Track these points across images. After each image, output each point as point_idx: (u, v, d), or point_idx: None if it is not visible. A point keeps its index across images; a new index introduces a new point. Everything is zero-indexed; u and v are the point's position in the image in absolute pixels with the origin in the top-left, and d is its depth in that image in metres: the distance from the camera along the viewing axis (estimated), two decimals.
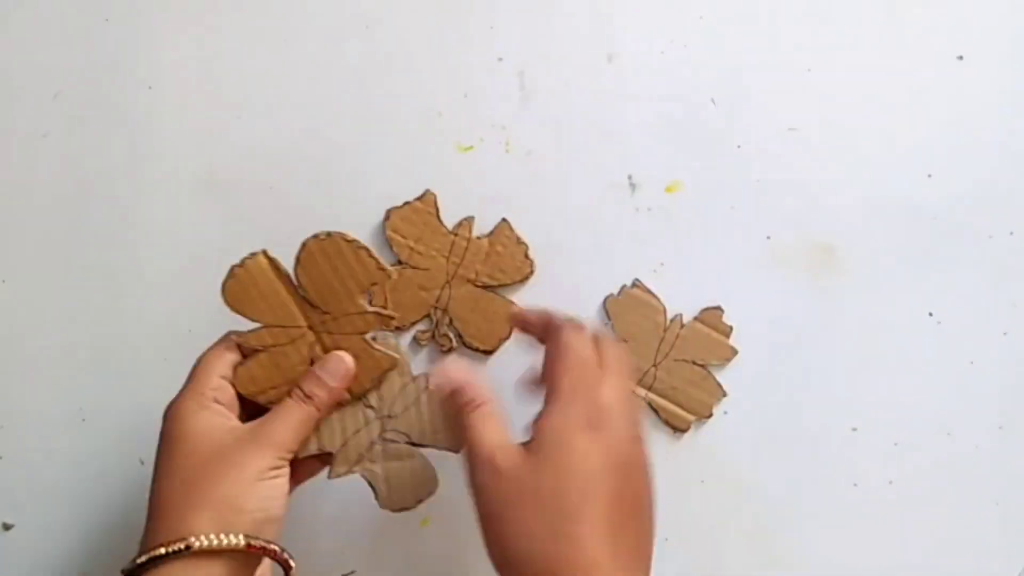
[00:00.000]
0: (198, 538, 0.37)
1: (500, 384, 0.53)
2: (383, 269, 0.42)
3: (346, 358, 0.42)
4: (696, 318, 0.53)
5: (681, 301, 0.53)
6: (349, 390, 0.43)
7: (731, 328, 0.52)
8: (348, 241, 0.42)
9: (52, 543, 0.54)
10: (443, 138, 0.54)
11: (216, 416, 0.41)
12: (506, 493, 0.38)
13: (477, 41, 0.54)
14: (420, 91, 0.54)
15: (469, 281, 0.53)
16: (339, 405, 0.43)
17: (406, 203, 0.53)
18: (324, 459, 0.44)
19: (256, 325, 0.42)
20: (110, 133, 0.55)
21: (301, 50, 0.55)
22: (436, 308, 0.53)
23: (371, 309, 0.43)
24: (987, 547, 0.52)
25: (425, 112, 0.54)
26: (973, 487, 0.52)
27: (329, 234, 0.42)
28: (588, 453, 0.38)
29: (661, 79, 0.54)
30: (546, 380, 0.40)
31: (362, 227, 0.54)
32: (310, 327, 0.43)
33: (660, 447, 0.53)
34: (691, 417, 0.53)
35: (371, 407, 0.43)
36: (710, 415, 0.53)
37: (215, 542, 0.38)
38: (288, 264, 0.42)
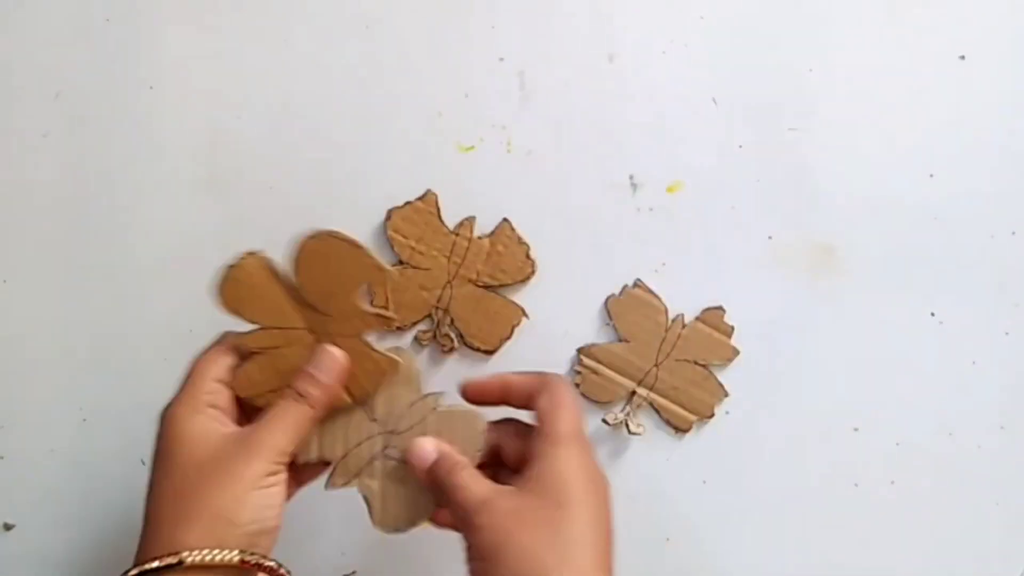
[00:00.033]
0: (191, 553, 0.37)
1: None
2: (381, 269, 0.41)
3: (337, 353, 0.41)
4: (698, 318, 0.53)
5: (682, 301, 0.53)
6: (351, 393, 0.42)
7: (732, 328, 0.52)
8: (346, 240, 0.41)
9: (52, 543, 0.54)
10: (444, 138, 0.54)
11: (210, 421, 0.40)
12: (511, 526, 0.37)
13: (477, 41, 0.54)
14: (420, 91, 0.54)
15: (470, 281, 0.53)
16: (342, 410, 0.42)
17: (407, 203, 0.53)
18: (326, 463, 0.43)
19: (252, 327, 0.42)
20: (110, 133, 0.55)
21: (301, 50, 0.55)
22: (437, 308, 0.53)
23: (371, 310, 0.42)
24: (988, 547, 0.52)
25: (425, 112, 0.54)
26: (974, 487, 0.52)
27: (326, 232, 0.41)
28: (588, 490, 0.38)
29: (661, 79, 0.54)
30: (544, 425, 0.40)
31: (363, 227, 0.53)
32: (309, 329, 0.42)
33: (662, 447, 0.53)
34: (693, 417, 0.53)
35: (375, 420, 0.43)
36: (712, 415, 0.53)
37: (208, 557, 0.37)
38: (282, 264, 0.42)
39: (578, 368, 0.53)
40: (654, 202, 0.53)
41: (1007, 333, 0.52)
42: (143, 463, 0.53)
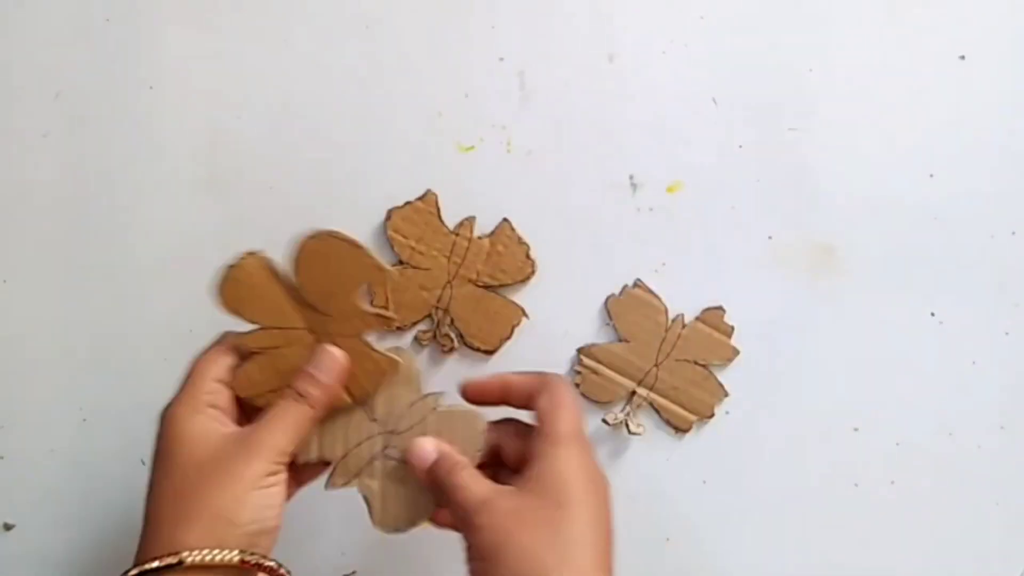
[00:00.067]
0: (191, 553, 0.37)
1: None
2: (381, 269, 0.41)
3: (337, 352, 0.41)
4: (698, 318, 0.53)
5: (682, 301, 0.53)
6: (351, 393, 0.42)
7: (732, 328, 0.52)
8: (345, 240, 0.41)
9: (52, 543, 0.54)
10: (444, 138, 0.54)
11: (210, 422, 0.40)
12: (511, 526, 0.37)
13: (477, 41, 0.54)
14: (420, 91, 0.54)
15: (470, 281, 0.53)
16: (342, 410, 0.42)
17: (407, 203, 0.53)
18: (326, 463, 0.43)
19: (252, 327, 0.42)
20: (110, 133, 0.55)
21: (301, 50, 0.55)
22: (437, 308, 0.53)
23: (371, 310, 0.42)
24: (988, 547, 0.52)
25: (425, 112, 0.54)
26: (974, 487, 0.52)
27: (326, 232, 0.41)
28: (588, 491, 0.38)
29: (661, 79, 0.54)
30: (544, 425, 0.40)
31: (363, 227, 0.53)
32: (309, 329, 0.42)
33: (662, 447, 0.53)
34: (693, 417, 0.53)
35: (375, 420, 0.43)
36: (712, 415, 0.53)
37: (208, 557, 0.37)
38: (282, 264, 0.41)
39: (578, 368, 0.53)
40: (654, 202, 0.53)
41: (1007, 333, 0.52)
42: (143, 463, 0.53)
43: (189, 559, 0.37)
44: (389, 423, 0.43)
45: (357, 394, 0.42)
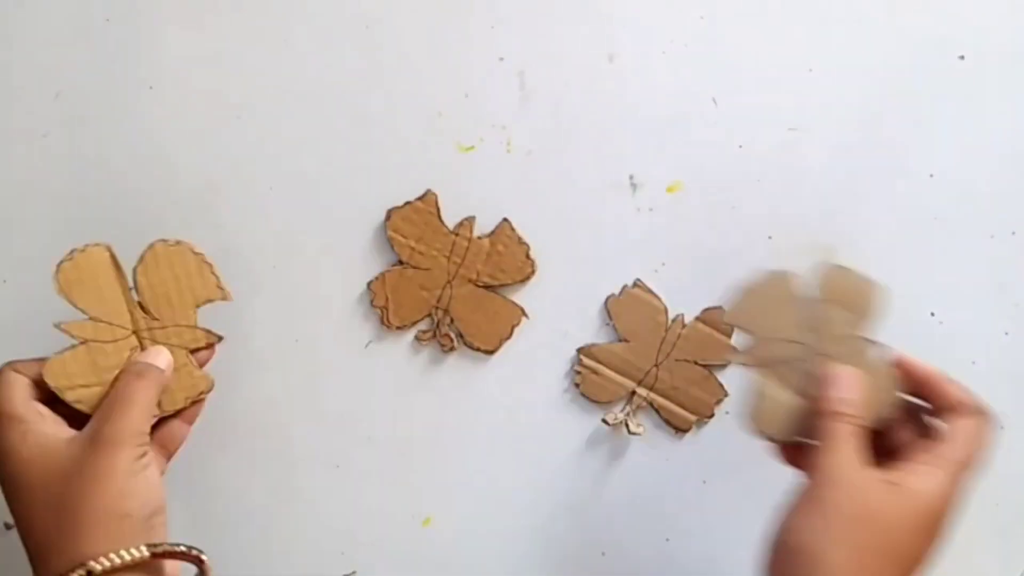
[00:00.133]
0: (98, 560, 0.36)
1: (504, 383, 0.54)
2: (222, 288, 0.43)
3: (167, 354, 0.42)
4: (697, 318, 0.53)
5: (682, 301, 0.53)
6: (160, 406, 0.42)
7: (733, 328, 0.52)
8: (196, 253, 0.43)
9: None
10: (443, 138, 0.54)
11: (43, 435, 0.39)
12: (845, 520, 0.37)
13: (477, 41, 0.54)
14: (420, 91, 0.54)
15: (470, 281, 0.53)
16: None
17: (407, 203, 0.53)
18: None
19: (81, 316, 0.43)
20: (110, 133, 0.55)
21: (301, 50, 0.55)
22: (437, 308, 0.53)
23: (202, 327, 0.43)
24: (987, 548, 0.52)
25: (425, 112, 0.54)
26: (974, 487, 0.52)
27: (179, 242, 0.43)
28: (931, 533, 0.40)
29: (661, 79, 0.54)
30: (946, 445, 0.40)
31: (363, 227, 0.54)
32: (135, 331, 0.43)
33: (662, 447, 0.53)
34: (692, 417, 0.53)
35: (814, 330, 0.44)
36: (712, 415, 0.53)
37: (116, 560, 0.36)
38: (129, 264, 0.43)
39: (578, 368, 0.53)
40: (654, 202, 0.53)
41: (1007, 333, 0.52)
42: None
43: (99, 568, 0.36)
44: (823, 342, 0.44)
45: (168, 408, 0.43)
